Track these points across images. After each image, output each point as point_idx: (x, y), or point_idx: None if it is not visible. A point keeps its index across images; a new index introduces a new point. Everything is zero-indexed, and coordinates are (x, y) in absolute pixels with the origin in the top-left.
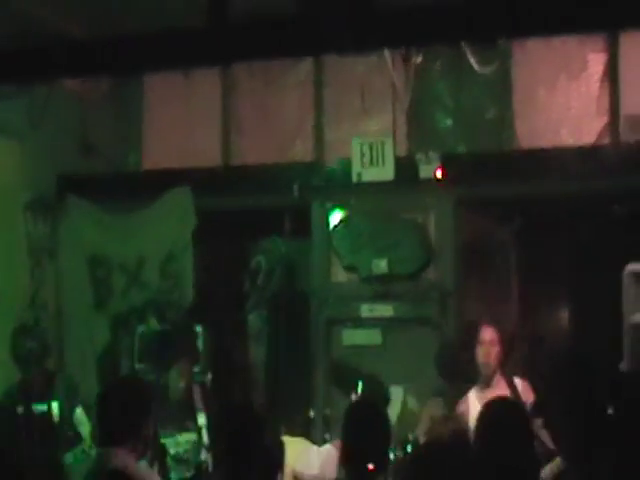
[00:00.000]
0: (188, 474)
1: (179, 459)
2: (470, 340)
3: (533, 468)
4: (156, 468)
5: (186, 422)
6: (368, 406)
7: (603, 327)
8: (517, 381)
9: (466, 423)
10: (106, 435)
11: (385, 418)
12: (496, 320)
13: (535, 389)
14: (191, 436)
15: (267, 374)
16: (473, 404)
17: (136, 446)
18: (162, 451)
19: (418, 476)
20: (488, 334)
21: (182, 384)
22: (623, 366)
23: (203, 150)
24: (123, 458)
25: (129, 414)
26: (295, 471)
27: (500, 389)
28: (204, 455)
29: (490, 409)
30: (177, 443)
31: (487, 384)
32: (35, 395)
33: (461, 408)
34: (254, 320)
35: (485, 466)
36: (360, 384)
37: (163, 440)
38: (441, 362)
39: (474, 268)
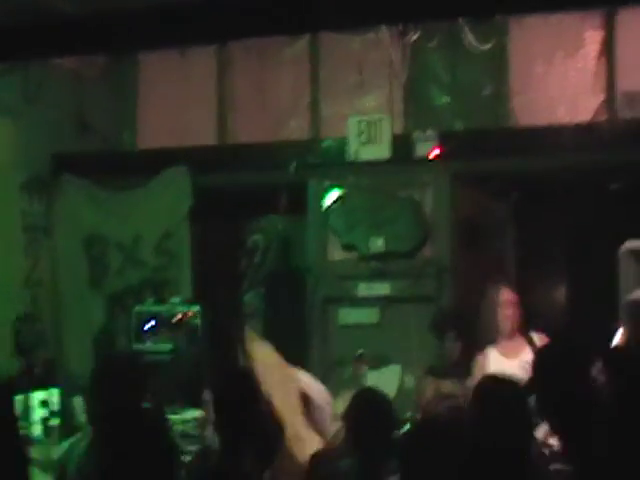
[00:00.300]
0: (193, 448)
1: (184, 435)
2: (491, 302)
3: (526, 447)
4: None
5: (192, 398)
6: (372, 393)
7: (600, 303)
8: (535, 335)
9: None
10: (103, 412)
11: (389, 404)
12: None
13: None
14: (197, 412)
15: None
16: (494, 358)
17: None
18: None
19: (412, 455)
20: (508, 295)
21: None
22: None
23: (199, 128)
24: None
25: (124, 391)
26: (305, 392)
27: (520, 343)
28: (210, 431)
29: (483, 386)
30: (183, 420)
31: (507, 340)
32: (35, 383)
33: (479, 362)
34: (251, 298)
35: (477, 444)
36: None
37: (171, 416)
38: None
39: (471, 244)
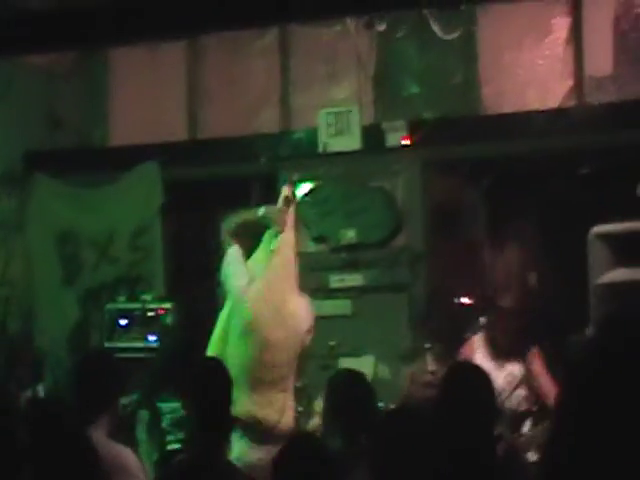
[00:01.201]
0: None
1: (175, 423)
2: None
3: (488, 446)
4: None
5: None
6: (350, 372)
7: (570, 287)
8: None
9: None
10: (78, 411)
11: (366, 381)
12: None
13: None
14: None
15: None
16: (478, 347)
17: (108, 421)
18: (157, 416)
19: (381, 442)
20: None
21: None
22: (589, 330)
23: (170, 122)
24: (95, 435)
25: (101, 389)
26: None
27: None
28: None
29: (452, 372)
30: (174, 409)
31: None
32: (23, 381)
33: (465, 353)
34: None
35: (442, 436)
36: None
37: (160, 405)
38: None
39: (443, 232)
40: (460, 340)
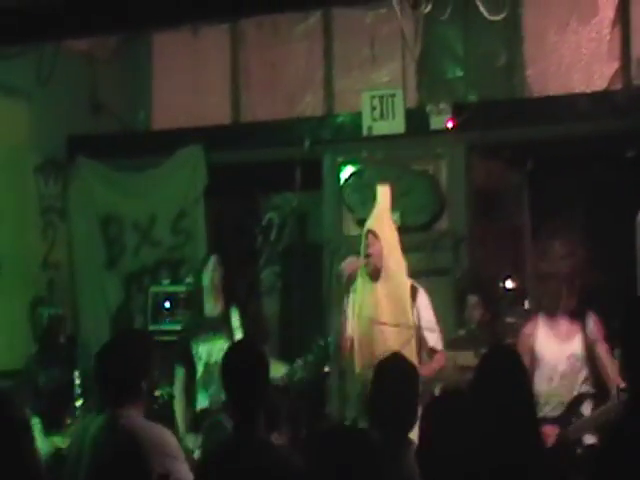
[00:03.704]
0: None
1: (213, 367)
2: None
3: (521, 431)
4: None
5: (221, 329)
6: (399, 361)
7: (618, 270)
8: (591, 318)
9: (532, 345)
10: (110, 393)
11: (414, 370)
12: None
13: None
14: (225, 343)
15: (281, 328)
16: (542, 326)
17: (142, 402)
18: (192, 364)
19: (428, 426)
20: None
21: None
22: None
23: (213, 106)
24: (130, 417)
25: (131, 370)
26: None
27: (573, 327)
28: None
29: (488, 359)
30: (210, 351)
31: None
32: (54, 363)
33: (528, 329)
34: (267, 275)
35: (480, 416)
36: None
37: (197, 348)
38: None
39: (487, 215)
40: (502, 323)
